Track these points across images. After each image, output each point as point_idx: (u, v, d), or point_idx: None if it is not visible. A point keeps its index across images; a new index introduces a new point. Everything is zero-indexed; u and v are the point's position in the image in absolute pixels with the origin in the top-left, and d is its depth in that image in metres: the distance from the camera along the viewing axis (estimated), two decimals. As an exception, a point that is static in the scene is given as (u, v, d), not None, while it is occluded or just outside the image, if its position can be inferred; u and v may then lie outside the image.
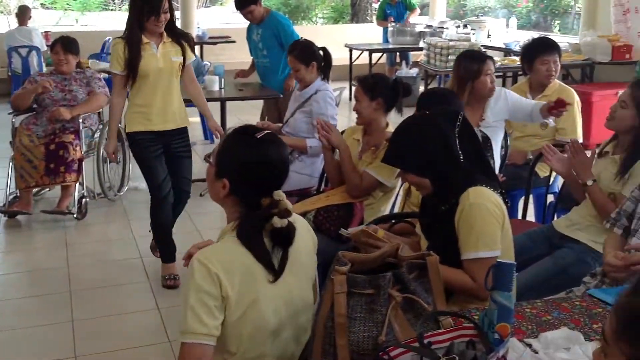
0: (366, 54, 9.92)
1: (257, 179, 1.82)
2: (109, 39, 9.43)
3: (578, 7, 11.25)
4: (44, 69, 8.32)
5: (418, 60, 9.25)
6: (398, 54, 10.44)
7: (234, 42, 10.52)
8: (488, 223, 2.10)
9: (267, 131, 1.87)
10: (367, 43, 10.55)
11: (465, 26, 9.37)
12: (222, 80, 5.89)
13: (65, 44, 5.21)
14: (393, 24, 10.10)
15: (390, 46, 10.16)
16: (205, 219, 4.99)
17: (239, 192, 1.84)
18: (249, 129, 1.90)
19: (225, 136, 1.92)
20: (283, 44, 5.51)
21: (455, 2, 20.96)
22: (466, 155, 2.16)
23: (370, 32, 11.95)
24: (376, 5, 13.18)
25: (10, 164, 5.01)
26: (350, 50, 10.10)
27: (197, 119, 7.30)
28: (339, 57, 9.28)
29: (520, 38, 8.43)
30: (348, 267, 1.64)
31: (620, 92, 2.97)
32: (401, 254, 1.72)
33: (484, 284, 1.60)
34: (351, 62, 10.12)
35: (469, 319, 1.57)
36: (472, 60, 3.75)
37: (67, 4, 21.44)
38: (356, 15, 16.61)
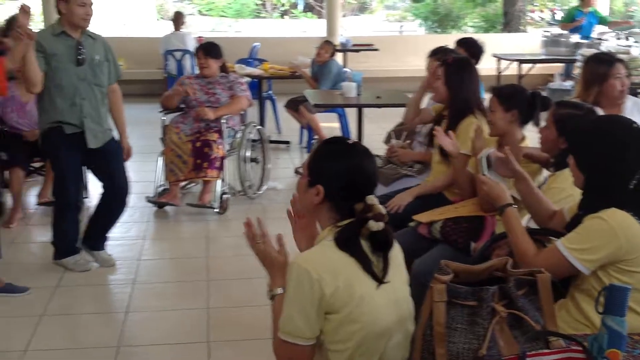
0: (516, 64, 9.64)
1: (350, 185, 1.90)
2: (257, 45, 9.86)
3: None
4: (196, 72, 8.83)
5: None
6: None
7: (377, 49, 10.63)
8: (595, 239, 2.06)
9: (356, 141, 1.98)
10: (517, 53, 10.27)
11: (627, 38, 8.80)
12: (360, 87, 5.99)
13: (206, 48, 5.57)
14: (549, 33, 9.70)
15: (542, 57, 9.79)
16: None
17: (332, 198, 1.92)
18: (339, 139, 2.04)
19: (316, 147, 2.02)
20: None
21: (622, 12, 19.83)
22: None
23: (522, 42, 11.65)
24: (531, 15, 12.76)
25: (160, 159, 5.40)
26: (498, 60, 9.87)
27: (336, 124, 7.43)
28: (487, 67, 9.11)
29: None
30: (450, 276, 1.65)
31: None
32: (510, 268, 1.71)
33: (595, 306, 1.57)
34: (499, 73, 9.89)
35: (578, 342, 1.54)
36: (599, 63, 3.69)
37: (223, 11, 22.50)
38: (508, 24, 16.12)
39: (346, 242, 1.84)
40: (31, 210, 5.45)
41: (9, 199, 5.21)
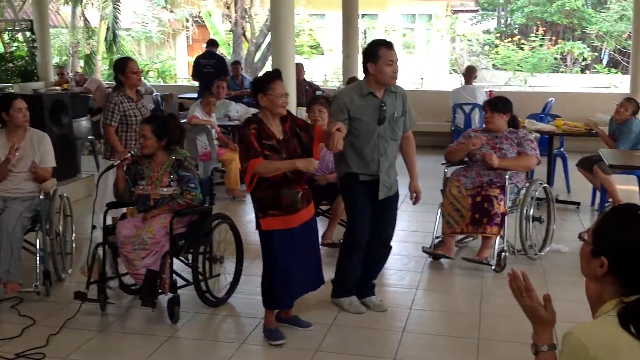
0: None
1: (638, 260, 1.70)
2: (551, 100, 9.50)
3: None
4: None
5: None
6: None
7: None
8: None
9: None
10: None
11: None
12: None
13: (492, 103, 5.52)
14: None
15: None
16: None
17: (618, 272, 1.74)
18: (633, 207, 1.81)
19: (605, 213, 1.85)
20: None
21: None
22: None
23: None
24: None
25: (439, 210, 5.41)
26: None
27: (635, 188, 6.81)
28: None
29: None
30: None
31: None
32: None
33: None
34: None
35: None
36: None
37: (518, 65, 22.18)
38: None
39: (631, 323, 1.66)
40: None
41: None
